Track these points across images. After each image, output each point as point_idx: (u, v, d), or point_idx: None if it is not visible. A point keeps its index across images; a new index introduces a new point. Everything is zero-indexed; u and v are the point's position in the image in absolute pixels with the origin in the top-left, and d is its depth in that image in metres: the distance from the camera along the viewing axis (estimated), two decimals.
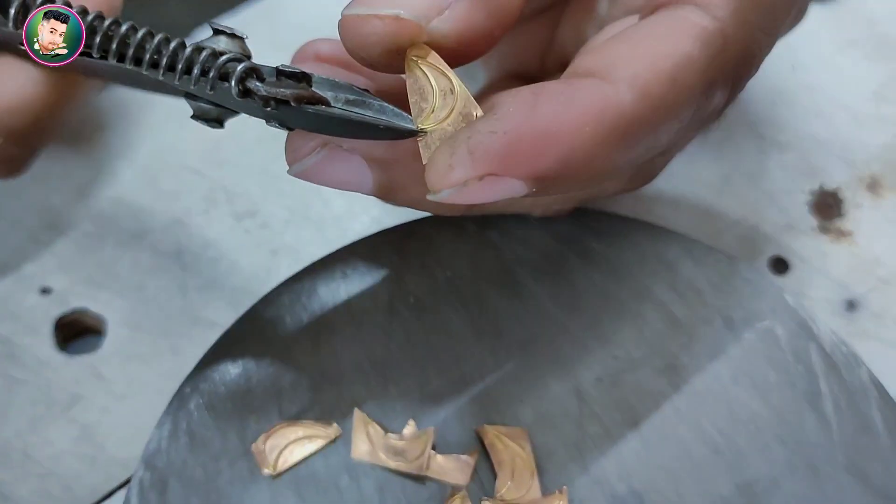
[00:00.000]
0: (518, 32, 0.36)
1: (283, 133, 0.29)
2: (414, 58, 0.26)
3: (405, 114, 0.26)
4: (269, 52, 0.45)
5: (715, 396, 0.33)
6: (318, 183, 0.29)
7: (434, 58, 0.26)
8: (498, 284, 0.35)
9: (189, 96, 0.27)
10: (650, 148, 0.27)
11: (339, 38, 0.34)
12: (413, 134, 0.26)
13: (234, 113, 0.27)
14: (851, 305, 0.38)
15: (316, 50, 0.33)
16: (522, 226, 0.36)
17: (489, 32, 0.27)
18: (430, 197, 0.26)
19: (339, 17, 0.27)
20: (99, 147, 0.42)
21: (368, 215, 0.41)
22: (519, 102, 0.25)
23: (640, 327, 0.34)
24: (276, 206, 0.41)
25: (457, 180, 0.25)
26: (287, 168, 0.29)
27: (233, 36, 0.26)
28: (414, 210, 0.40)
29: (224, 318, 0.38)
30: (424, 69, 0.26)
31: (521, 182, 0.25)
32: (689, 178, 0.40)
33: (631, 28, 0.27)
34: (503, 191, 0.25)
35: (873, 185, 0.40)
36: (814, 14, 0.44)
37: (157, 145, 0.42)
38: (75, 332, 0.39)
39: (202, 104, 0.27)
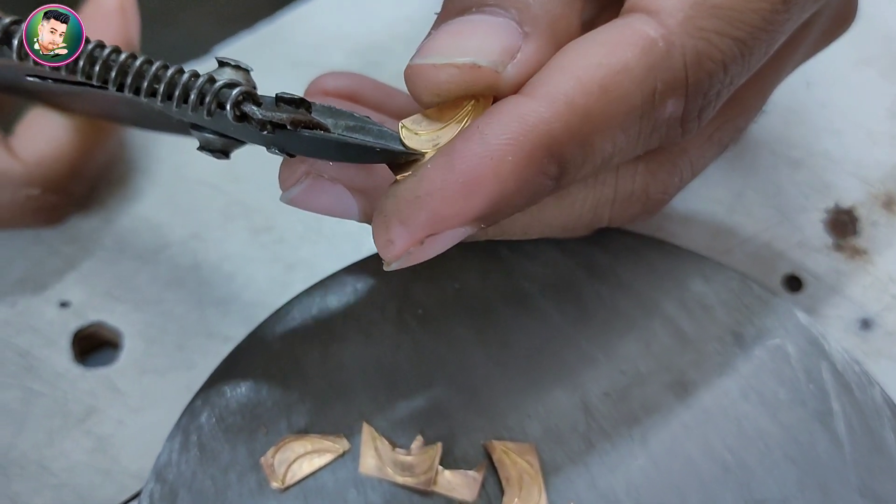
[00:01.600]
0: None
1: None
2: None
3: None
4: (286, 69, 0.46)
5: (724, 413, 0.33)
6: (308, 210, 0.30)
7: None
8: (506, 298, 0.35)
9: (194, 127, 0.27)
10: (594, 158, 0.27)
11: (342, 72, 0.34)
12: (409, 156, 0.26)
13: (239, 143, 0.27)
14: (866, 324, 0.37)
15: (322, 86, 0.33)
16: (530, 240, 0.36)
17: None
18: (386, 269, 0.27)
19: (407, 67, 0.27)
20: (119, 164, 0.43)
21: None
22: (438, 156, 0.25)
23: (648, 342, 0.34)
24: (291, 222, 0.41)
25: (401, 251, 0.26)
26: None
27: (237, 67, 0.26)
28: None
29: (239, 332, 0.38)
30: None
31: (463, 228, 0.26)
32: (701, 195, 0.40)
33: (578, 39, 0.27)
34: (449, 241, 0.26)
35: (889, 203, 0.40)
36: None
37: (175, 161, 0.43)
38: (92, 345, 0.39)
39: (206, 135, 0.27)
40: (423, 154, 0.26)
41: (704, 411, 0.33)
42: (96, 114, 0.38)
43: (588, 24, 0.34)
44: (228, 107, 0.25)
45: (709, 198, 0.40)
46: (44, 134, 0.37)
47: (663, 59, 0.26)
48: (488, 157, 0.25)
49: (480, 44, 0.26)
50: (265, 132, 0.25)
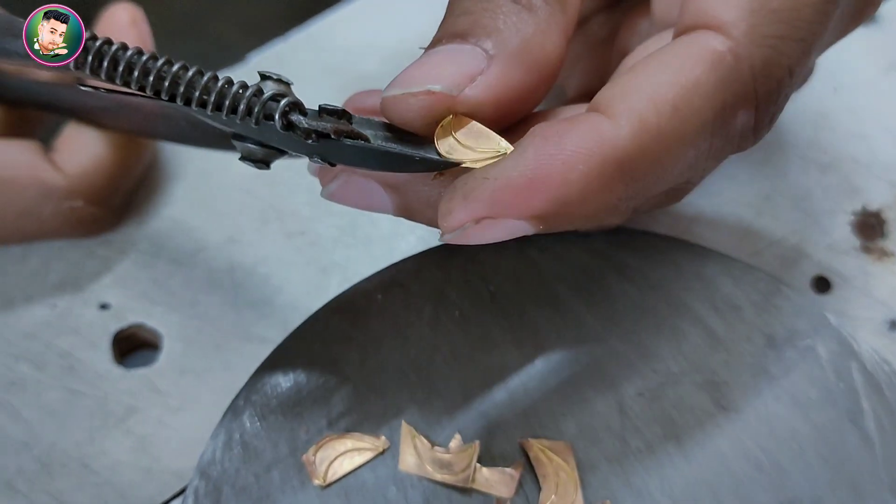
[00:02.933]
0: (586, 52, 0.37)
1: None
2: (444, 126, 0.27)
3: None
4: (318, 75, 0.47)
5: (756, 413, 0.33)
6: (346, 205, 0.31)
7: (469, 124, 0.27)
8: (539, 299, 0.36)
9: (236, 138, 0.28)
10: (664, 176, 0.27)
11: (376, 90, 0.35)
12: (448, 165, 0.27)
13: (280, 153, 0.28)
14: (894, 325, 0.38)
15: (356, 104, 0.34)
16: (561, 243, 0.37)
17: (532, 88, 0.28)
18: (440, 240, 0.27)
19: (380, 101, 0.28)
20: (154, 169, 0.44)
21: (415, 235, 0.41)
22: (515, 148, 0.26)
23: (679, 343, 0.35)
24: (325, 226, 0.42)
25: (456, 223, 0.26)
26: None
27: (279, 80, 0.27)
28: None
29: (275, 334, 0.39)
30: (456, 136, 0.27)
31: (522, 223, 0.26)
32: (729, 197, 0.41)
33: (647, 58, 0.27)
34: (504, 232, 0.27)
35: None
36: (856, 36, 0.44)
37: (210, 167, 0.44)
38: (132, 346, 0.40)
39: (249, 145, 0.28)
40: (460, 163, 0.27)
41: (737, 411, 0.33)
42: (131, 129, 0.39)
43: (582, 22, 0.34)
44: (276, 116, 0.26)
45: (737, 201, 0.41)
46: (84, 148, 0.39)
47: (732, 73, 0.26)
48: (560, 159, 0.25)
49: (438, 72, 0.27)
50: (310, 141, 0.26)
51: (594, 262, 0.36)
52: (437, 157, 0.27)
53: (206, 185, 0.43)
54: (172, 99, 0.26)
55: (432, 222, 0.30)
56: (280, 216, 0.42)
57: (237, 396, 0.34)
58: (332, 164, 0.28)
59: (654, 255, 0.36)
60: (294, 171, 0.43)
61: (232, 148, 0.31)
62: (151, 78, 0.26)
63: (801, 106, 0.38)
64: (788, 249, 0.40)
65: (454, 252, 0.37)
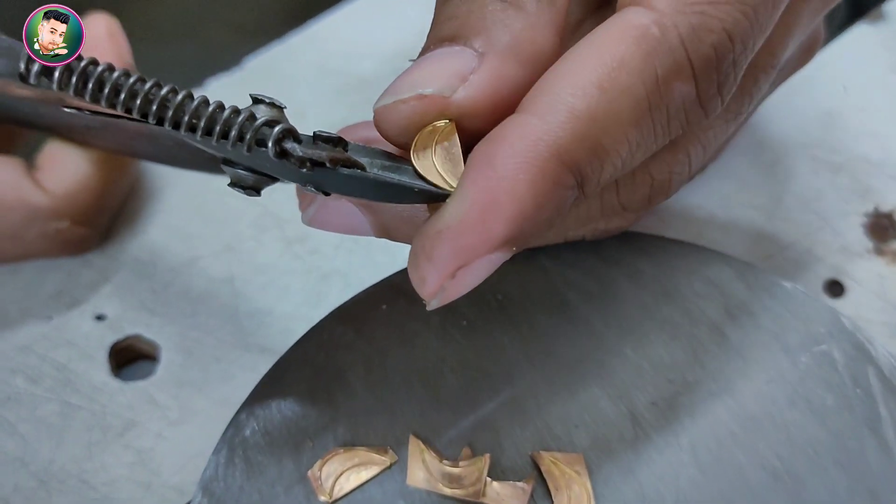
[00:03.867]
0: None
1: None
2: (423, 137, 0.26)
3: None
4: (316, 77, 0.46)
5: (772, 420, 0.33)
6: (328, 230, 0.30)
7: (452, 139, 0.26)
8: (548, 307, 0.35)
9: (226, 163, 0.27)
10: (612, 160, 0.26)
11: (365, 123, 0.35)
12: (445, 197, 0.26)
13: (272, 180, 0.27)
14: None
15: (353, 135, 0.34)
16: (571, 249, 0.36)
17: (527, 83, 0.27)
18: (428, 308, 0.27)
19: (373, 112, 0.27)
20: (148, 176, 0.43)
21: None
22: (452, 192, 0.25)
23: (694, 350, 0.34)
24: (325, 233, 0.41)
25: (434, 288, 0.26)
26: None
27: (272, 105, 0.26)
28: None
29: (275, 344, 0.38)
30: (435, 160, 0.26)
31: (495, 255, 0.25)
32: (740, 200, 0.40)
33: (573, 48, 0.26)
34: (482, 272, 0.26)
35: None
36: (865, 35, 0.44)
37: (206, 174, 0.43)
38: (129, 357, 0.39)
39: (239, 171, 0.27)
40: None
41: (752, 419, 0.33)
42: (116, 149, 0.39)
43: (575, 27, 0.34)
44: (270, 144, 0.25)
45: (749, 204, 0.40)
46: (69, 167, 0.38)
47: (659, 45, 0.25)
48: (499, 178, 0.24)
49: (428, 75, 0.26)
50: (304, 170, 0.25)
51: (605, 268, 0.36)
52: (436, 189, 0.26)
53: (203, 193, 0.42)
54: (160, 122, 0.25)
55: (410, 241, 0.29)
56: (279, 223, 0.42)
57: (239, 410, 0.33)
58: (327, 194, 0.27)
59: (667, 260, 0.36)
60: None
61: (221, 172, 0.31)
62: (139, 101, 0.25)
63: (811, 105, 0.37)
64: (801, 253, 0.39)
65: None
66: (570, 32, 0.33)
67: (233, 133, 0.25)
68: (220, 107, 0.25)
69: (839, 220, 0.40)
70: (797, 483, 0.32)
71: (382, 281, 0.36)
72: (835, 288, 0.38)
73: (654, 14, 0.26)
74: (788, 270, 0.38)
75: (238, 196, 0.42)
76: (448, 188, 0.26)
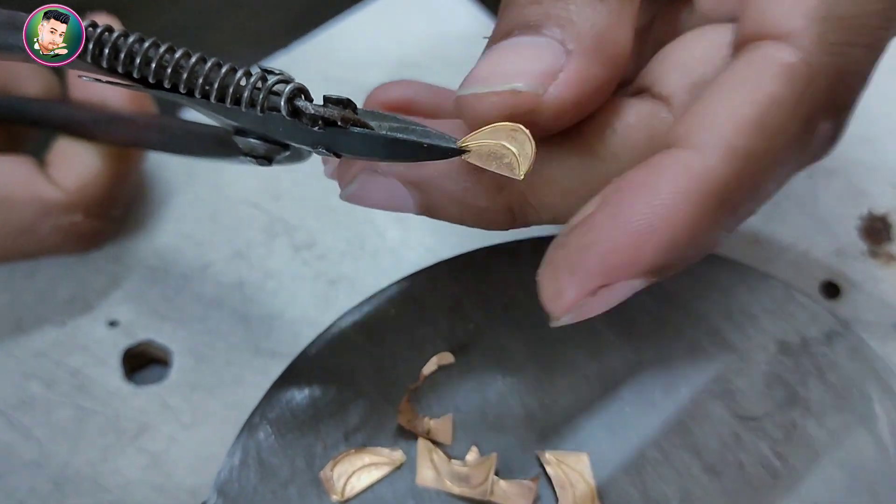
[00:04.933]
0: None
1: None
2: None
3: (448, 135, 0.26)
4: (321, 86, 0.46)
5: (772, 420, 0.33)
6: (367, 206, 0.30)
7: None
8: None
9: (238, 133, 0.27)
10: (760, 197, 0.27)
11: (397, 81, 0.35)
12: (456, 153, 0.26)
13: (283, 148, 0.27)
14: None
15: (378, 98, 0.34)
16: None
17: (607, 84, 0.27)
18: (553, 324, 0.26)
19: (455, 99, 0.27)
20: (159, 183, 0.44)
21: (423, 246, 0.42)
22: (603, 207, 0.25)
23: (696, 353, 0.35)
24: (332, 238, 0.42)
25: (572, 302, 0.25)
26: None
27: (281, 74, 0.26)
28: (467, 239, 0.41)
29: (285, 348, 0.39)
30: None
31: (636, 280, 0.25)
32: None
33: (715, 81, 0.26)
34: (621, 295, 0.26)
35: None
36: None
37: (216, 181, 0.44)
38: (142, 362, 0.40)
39: (251, 140, 0.27)
40: (466, 150, 0.26)
41: (753, 418, 0.33)
42: (125, 141, 0.39)
43: (644, 30, 0.34)
44: (282, 102, 0.25)
45: None
46: (79, 161, 0.38)
47: (809, 83, 0.26)
48: (660, 206, 0.24)
49: (519, 68, 0.26)
50: (316, 128, 0.25)
51: None
52: (445, 145, 0.26)
53: (213, 200, 0.43)
54: (174, 88, 0.26)
55: (457, 220, 0.29)
56: (287, 230, 0.42)
57: (253, 413, 0.34)
58: (338, 156, 0.27)
59: None
60: (300, 184, 0.43)
61: (227, 155, 0.31)
62: (153, 66, 0.25)
63: None
64: (798, 255, 0.40)
65: (468, 264, 0.37)
66: (642, 31, 0.33)
67: (245, 94, 0.25)
68: (233, 69, 0.26)
69: (834, 223, 0.40)
70: (797, 481, 0.32)
71: (391, 285, 0.36)
72: (831, 289, 0.39)
73: (801, 53, 0.26)
74: (786, 273, 0.39)
75: (247, 203, 0.43)
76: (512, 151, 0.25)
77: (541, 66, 0.26)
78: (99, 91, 0.38)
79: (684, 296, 0.36)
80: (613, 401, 0.34)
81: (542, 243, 0.37)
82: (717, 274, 0.36)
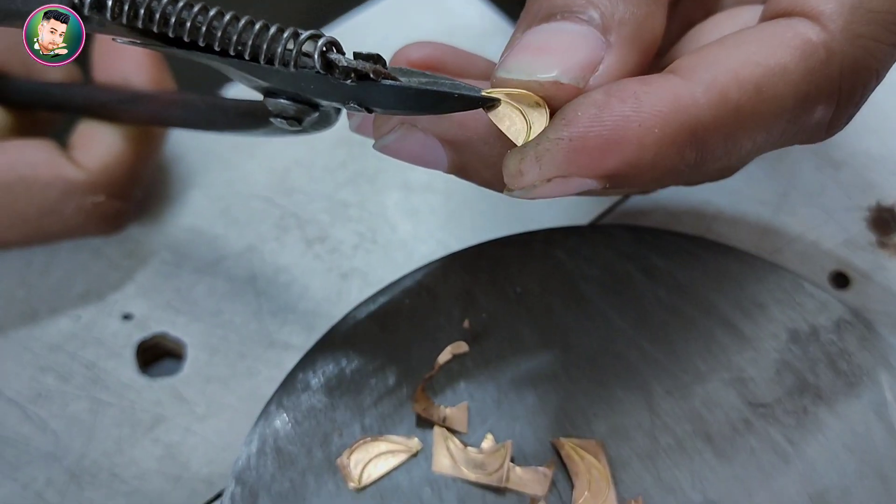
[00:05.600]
0: None
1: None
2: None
3: (477, 87, 0.26)
4: None
5: (783, 407, 0.34)
6: (400, 158, 0.30)
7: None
8: (566, 300, 0.36)
9: (269, 94, 0.27)
10: (731, 153, 0.27)
11: (425, 42, 0.35)
12: (485, 101, 0.26)
13: (312, 109, 0.27)
14: None
15: (407, 55, 0.34)
16: (587, 244, 0.37)
17: (642, 68, 0.27)
18: (505, 193, 0.27)
19: (493, 79, 0.27)
20: (172, 178, 0.44)
21: (434, 238, 0.42)
22: (587, 105, 0.25)
23: (707, 342, 0.35)
24: (344, 232, 0.42)
25: (526, 183, 0.26)
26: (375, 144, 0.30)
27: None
28: (478, 231, 0.41)
29: (298, 340, 0.39)
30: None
31: (591, 181, 0.26)
32: (747, 195, 0.41)
33: (737, 33, 0.27)
34: (572, 189, 0.26)
35: None
36: None
37: (229, 176, 0.44)
38: (156, 355, 0.40)
39: (281, 101, 0.27)
40: (498, 100, 0.26)
41: (764, 405, 0.34)
42: (149, 120, 0.39)
43: (672, 6, 0.34)
44: (316, 55, 0.25)
45: (755, 199, 0.41)
46: (101, 142, 0.39)
47: (821, 66, 0.26)
48: (637, 121, 0.25)
49: (562, 59, 0.26)
50: (349, 82, 0.25)
51: (621, 263, 0.37)
52: (475, 94, 0.26)
53: (226, 195, 0.44)
54: (209, 48, 0.26)
55: (486, 183, 0.29)
56: (300, 223, 0.43)
57: (269, 402, 0.34)
58: (370, 110, 0.27)
59: (681, 255, 0.37)
60: (312, 179, 0.44)
61: (252, 127, 0.31)
62: (188, 26, 0.25)
63: None
64: (807, 246, 0.40)
65: (480, 255, 0.37)
66: (670, 7, 0.34)
67: (279, 50, 0.25)
68: (266, 26, 0.26)
69: (843, 214, 0.41)
70: (809, 467, 0.33)
71: (405, 277, 0.37)
72: (840, 279, 0.39)
73: (825, 35, 0.26)
74: (795, 263, 0.40)
75: (260, 198, 0.43)
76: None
77: (583, 57, 0.26)
78: (121, 70, 0.39)
79: (695, 286, 0.36)
80: (627, 389, 0.34)
81: (553, 234, 0.37)
82: (727, 264, 0.37)
